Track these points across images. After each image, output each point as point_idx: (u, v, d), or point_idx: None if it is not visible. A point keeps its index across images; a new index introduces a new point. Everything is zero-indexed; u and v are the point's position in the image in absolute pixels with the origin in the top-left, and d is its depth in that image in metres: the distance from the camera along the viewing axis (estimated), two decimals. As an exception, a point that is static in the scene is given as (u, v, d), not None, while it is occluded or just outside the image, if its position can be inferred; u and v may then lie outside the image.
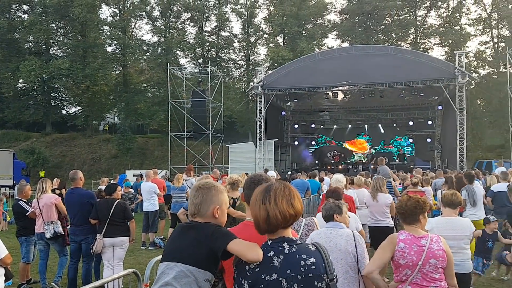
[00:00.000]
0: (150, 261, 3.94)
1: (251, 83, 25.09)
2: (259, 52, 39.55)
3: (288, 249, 1.84)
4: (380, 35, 38.21)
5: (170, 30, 38.13)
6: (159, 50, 36.49)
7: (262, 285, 1.79)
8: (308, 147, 30.05)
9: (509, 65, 24.66)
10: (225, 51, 38.99)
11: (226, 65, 38.62)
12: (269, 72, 25.38)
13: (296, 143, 30.07)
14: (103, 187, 10.03)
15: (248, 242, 1.91)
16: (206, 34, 39.23)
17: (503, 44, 35.19)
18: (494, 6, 36.40)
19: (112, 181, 12.54)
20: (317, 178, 11.95)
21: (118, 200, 5.92)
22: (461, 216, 7.62)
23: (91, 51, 35.07)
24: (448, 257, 3.04)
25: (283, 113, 28.76)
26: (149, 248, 9.41)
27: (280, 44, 36.40)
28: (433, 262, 2.98)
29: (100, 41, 36.36)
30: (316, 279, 1.80)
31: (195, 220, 2.14)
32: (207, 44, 38.57)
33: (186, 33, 38.86)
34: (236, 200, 5.25)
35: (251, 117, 29.81)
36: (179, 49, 37.59)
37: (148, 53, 36.89)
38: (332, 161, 25.53)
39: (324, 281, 1.82)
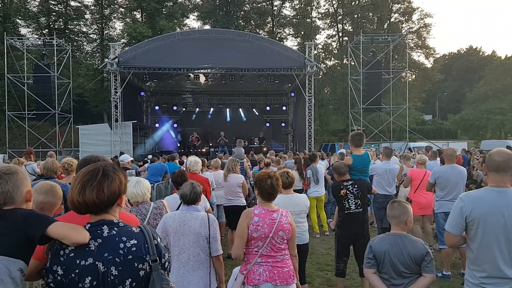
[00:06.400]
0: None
1: (106, 60, 23.21)
2: (114, 26, 36.86)
3: (107, 232, 1.79)
4: (240, 21, 39.24)
5: (9, -4, 32.84)
6: (-5, 18, 31.17)
7: (77, 270, 1.73)
8: (170, 129, 29.43)
9: (351, 58, 27.87)
10: (74, 22, 35.22)
11: (76, 38, 35.00)
12: (126, 48, 23.88)
13: (157, 125, 29.13)
14: None
15: (71, 224, 1.83)
16: (52, 2, 34.84)
17: (346, 38, 39.58)
18: (340, 2, 40.57)
19: None
20: (176, 161, 11.75)
21: None
22: (306, 192, 8.37)
23: None
24: (292, 230, 3.27)
25: (142, 93, 27.44)
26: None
27: (138, 20, 34.51)
28: (281, 234, 3.18)
29: None
30: (137, 260, 1.78)
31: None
32: (54, 13, 34.37)
33: (28, 0, 33.94)
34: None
35: (107, 96, 27.74)
36: (20, 18, 32.73)
37: (-19, 21, 31.18)
38: (194, 144, 25.45)
39: (147, 262, 1.80)
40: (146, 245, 1.81)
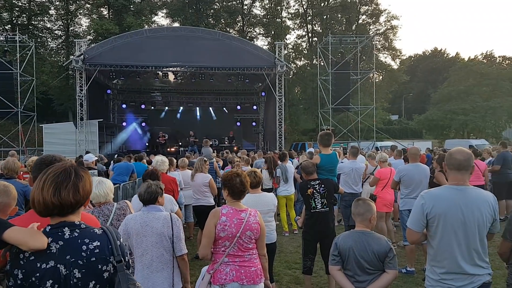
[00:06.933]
0: None
1: (71, 56, 22.53)
2: (80, 23, 35.83)
3: (69, 234, 1.75)
4: (210, 19, 38.97)
5: (-31, -10, 31.33)
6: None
7: (38, 274, 1.68)
8: (138, 128, 28.85)
9: (320, 59, 28.17)
10: (39, 18, 34.00)
11: (40, 34, 33.80)
12: (92, 45, 23.24)
13: (124, 124, 28.47)
14: None
15: (29, 229, 1.78)
16: (16, -3, 33.61)
17: (315, 39, 39.99)
18: (310, 2, 40.95)
19: None
20: (144, 161, 11.53)
21: None
22: (275, 191, 8.40)
23: None
24: (261, 229, 3.25)
25: (108, 91, 26.77)
26: None
27: (105, 16, 33.70)
28: (248, 233, 3.16)
29: None
30: (100, 262, 1.75)
31: None
32: (17, 8, 33.06)
33: (-10, -5, 32.53)
34: None
35: (72, 94, 26.93)
36: (-19, 14, 31.40)
37: None
38: (161, 143, 25.01)
39: (111, 263, 1.78)
40: (110, 246, 1.78)
